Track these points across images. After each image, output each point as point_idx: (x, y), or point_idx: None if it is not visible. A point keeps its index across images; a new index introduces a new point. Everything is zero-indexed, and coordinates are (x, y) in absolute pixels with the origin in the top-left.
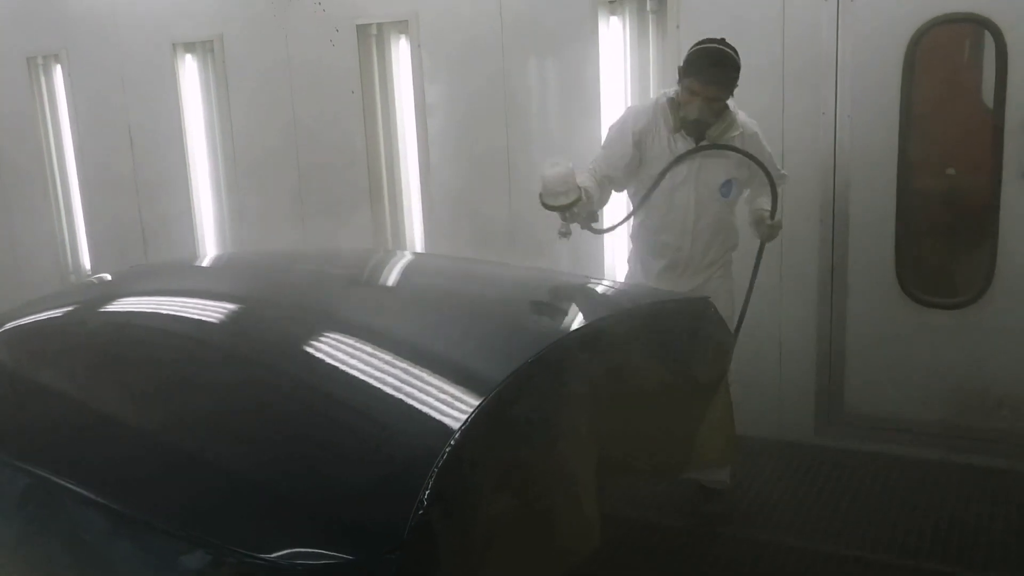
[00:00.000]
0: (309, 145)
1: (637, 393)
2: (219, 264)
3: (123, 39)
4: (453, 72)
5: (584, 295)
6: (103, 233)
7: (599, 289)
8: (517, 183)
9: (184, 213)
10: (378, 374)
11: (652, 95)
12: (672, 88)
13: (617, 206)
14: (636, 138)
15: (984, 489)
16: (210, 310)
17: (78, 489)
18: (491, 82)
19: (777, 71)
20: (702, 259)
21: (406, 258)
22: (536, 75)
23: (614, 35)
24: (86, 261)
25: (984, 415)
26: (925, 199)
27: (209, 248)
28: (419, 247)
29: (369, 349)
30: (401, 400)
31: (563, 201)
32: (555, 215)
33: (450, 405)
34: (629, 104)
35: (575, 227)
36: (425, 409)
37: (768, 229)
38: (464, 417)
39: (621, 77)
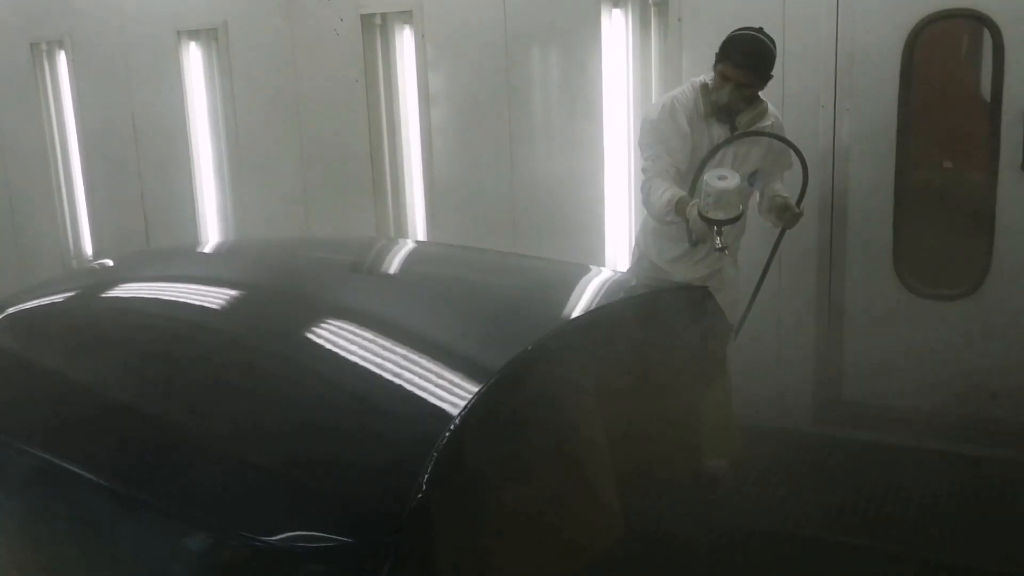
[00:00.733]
0: (312, 133)
1: (635, 381)
2: (220, 250)
3: (127, 26)
4: (456, 62)
5: (583, 283)
6: (105, 219)
7: (598, 277)
8: (519, 173)
9: (187, 200)
10: (379, 360)
11: (654, 87)
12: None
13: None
14: (688, 124)
15: (980, 478)
16: (211, 296)
17: (81, 472)
18: (494, 72)
19: (777, 63)
20: (724, 246)
21: (408, 246)
22: (539, 66)
23: (616, 27)
24: (88, 247)
25: (980, 404)
26: (923, 191)
27: (211, 235)
28: (421, 235)
29: (370, 336)
30: (401, 386)
31: (733, 214)
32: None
33: (450, 391)
34: (631, 96)
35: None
36: (425, 395)
37: (793, 216)
38: (464, 403)
39: (623, 69)
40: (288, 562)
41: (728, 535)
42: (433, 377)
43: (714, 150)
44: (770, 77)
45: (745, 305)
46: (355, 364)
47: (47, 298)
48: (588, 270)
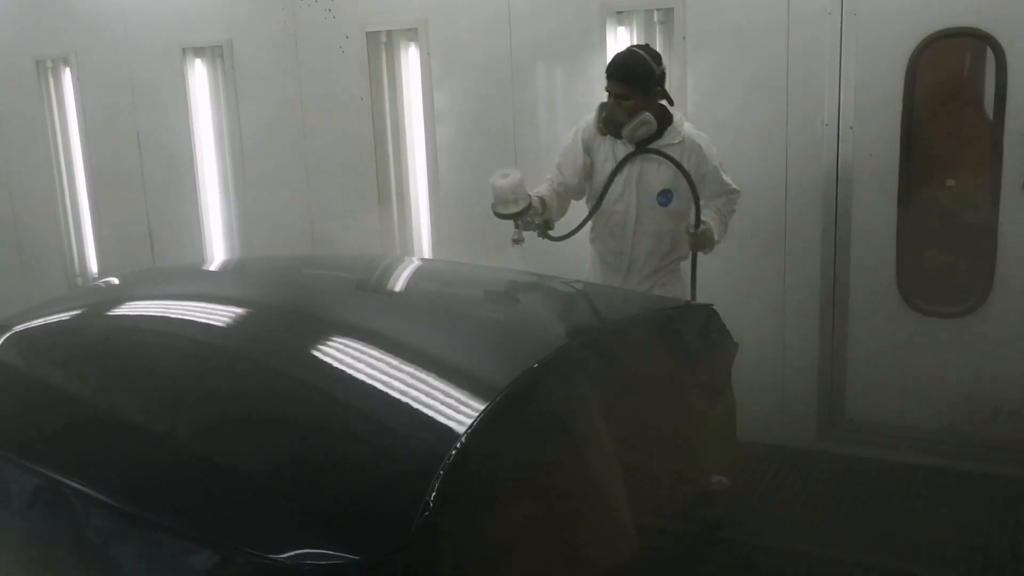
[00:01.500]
0: (318, 151)
1: (642, 399)
2: (226, 269)
3: (132, 43)
4: (461, 79)
5: (590, 301)
6: (110, 237)
7: (605, 295)
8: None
9: (192, 218)
10: (386, 377)
11: None
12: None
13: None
14: (585, 145)
15: (983, 496)
16: (218, 314)
17: (87, 490)
18: (499, 90)
19: (781, 82)
20: (645, 265)
21: (414, 264)
22: (544, 83)
23: (621, 44)
24: (93, 265)
25: (983, 422)
26: (926, 210)
27: (216, 253)
28: (427, 253)
29: (377, 353)
30: (408, 403)
31: (513, 209)
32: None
33: (457, 408)
34: None
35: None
36: (432, 412)
37: (692, 239)
38: (471, 420)
39: None
40: None
41: (732, 551)
42: (440, 395)
43: (615, 170)
44: (648, 88)
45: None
46: (362, 382)
47: (52, 317)
48: (595, 288)
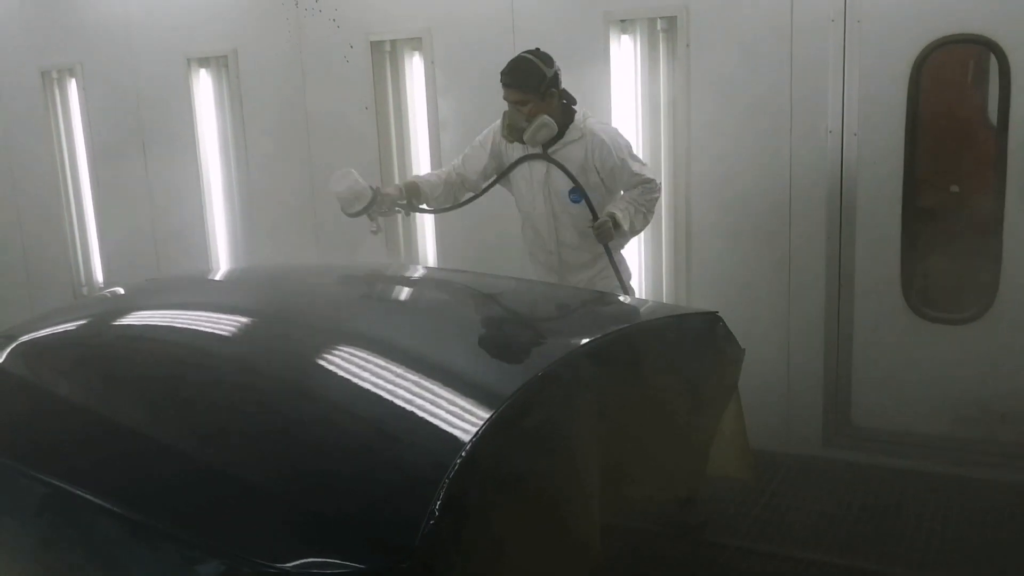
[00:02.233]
0: (323, 160)
1: (648, 407)
2: (231, 278)
3: (138, 53)
4: (466, 89)
5: (595, 309)
6: (116, 247)
7: (610, 303)
8: None
9: (197, 227)
10: (391, 386)
11: (662, 112)
12: None
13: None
14: (492, 149)
15: (988, 502)
16: (223, 324)
17: (94, 499)
18: (504, 99)
19: (785, 89)
20: (575, 261)
21: (419, 272)
22: None
23: (625, 53)
24: (99, 275)
25: (989, 428)
26: (930, 216)
27: (222, 262)
28: (431, 261)
29: (382, 362)
30: (413, 412)
31: (358, 207)
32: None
33: (462, 417)
34: (640, 122)
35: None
36: (437, 421)
37: (598, 232)
38: (475, 429)
39: (632, 95)
40: None
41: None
42: (445, 404)
43: (506, 170)
44: (542, 91)
45: None
46: (368, 391)
47: (58, 327)
48: (600, 296)
